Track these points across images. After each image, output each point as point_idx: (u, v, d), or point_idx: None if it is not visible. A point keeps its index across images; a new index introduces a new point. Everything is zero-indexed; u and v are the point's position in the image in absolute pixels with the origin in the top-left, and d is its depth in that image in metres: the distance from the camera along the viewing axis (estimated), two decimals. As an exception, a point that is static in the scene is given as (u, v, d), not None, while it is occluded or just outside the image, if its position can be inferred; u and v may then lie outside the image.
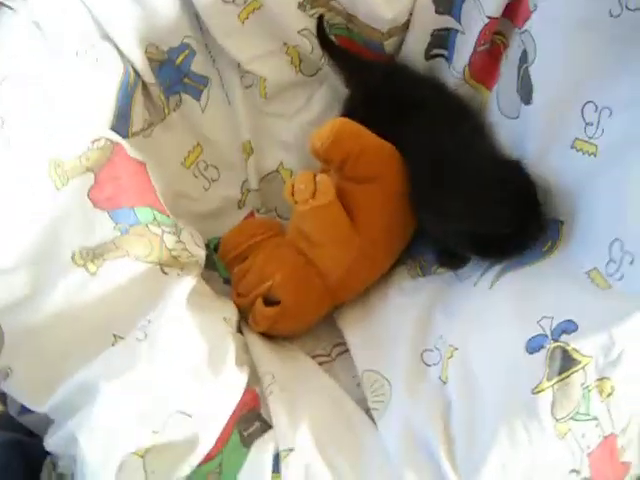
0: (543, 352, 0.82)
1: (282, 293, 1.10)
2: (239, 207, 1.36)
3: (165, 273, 1.01)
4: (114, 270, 0.95)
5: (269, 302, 1.11)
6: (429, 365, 0.98)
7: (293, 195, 1.07)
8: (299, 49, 1.27)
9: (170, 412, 0.86)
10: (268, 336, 1.14)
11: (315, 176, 1.07)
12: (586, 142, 0.93)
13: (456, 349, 0.94)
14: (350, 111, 1.23)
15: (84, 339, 0.90)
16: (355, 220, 1.09)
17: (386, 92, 1.18)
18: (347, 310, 1.18)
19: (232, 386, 0.94)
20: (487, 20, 1.06)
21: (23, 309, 0.89)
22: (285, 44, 1.28)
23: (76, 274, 0.93)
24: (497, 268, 1.01)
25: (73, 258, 0.93)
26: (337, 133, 1.07)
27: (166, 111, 1.26)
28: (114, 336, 0.91)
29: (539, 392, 0.79)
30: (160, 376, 0.87)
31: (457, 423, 0.86)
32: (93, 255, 0.94)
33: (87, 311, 0.92)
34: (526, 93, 1.00)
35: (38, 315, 0.89)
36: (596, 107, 0.91)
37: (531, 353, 0.83)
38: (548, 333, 0.83)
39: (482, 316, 0.96)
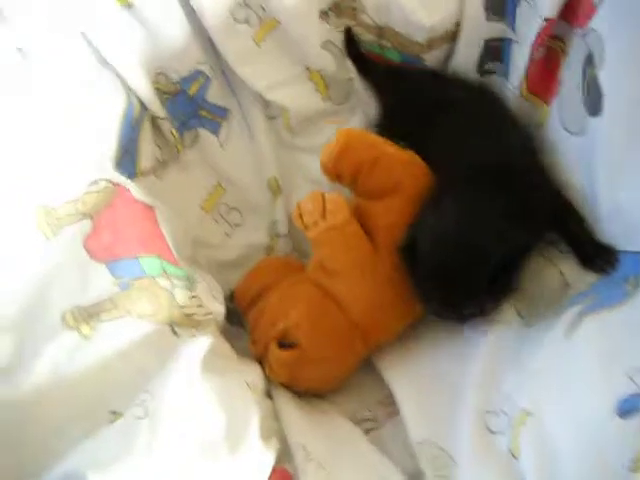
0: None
1: (298, 333, 0.95)
2: (267, 254, 1.22)
3: (176, 334, 0.87)
4: (112, 333, 0.82)
5: (287, 347, 0.96)
6: (493, 432, 0.83)
7: (302, 219, 0.94)
8: (323, 72, 1.15)
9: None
10: (302, 398, 1.00)
11: (324, 195, 0.94)
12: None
13: (529, 414, 0.78)
14: (380, 126, 1.13)
15: (74, 418, 0.78)
16: (377, 242, 0.95)
17: (416, 98, 1.08)
18: (391, 359, 1.02)
19: (256, 465, 0.80)
20: (543, 22, 0.93)
21: (1, 384, 0.76)
22: (307, 68, 1.15)
23: (66, 338, 0.80)
24: (572, 312, 0.84)
25: (63, 319, 0.81)
26: (345, 143, 0.95)
27: (179, 148, 1.13)
28: (112, 413, 0.79)
29: (637, 469, 0.63)
30: (162, 462, 0.72)
31: (534, 507, 0.70)
32: (88, 315, 0.82)
33: (79, 384, 0.80)
34: (594, 103, 0.86)
35: (19, 391, 0.76)
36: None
37: (623, 417, 0.67)
38: (644, 391, 0.67)
39: (560, 372, 0.80)
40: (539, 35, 0.95)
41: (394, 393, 0.96)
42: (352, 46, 1.15)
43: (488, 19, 1.04)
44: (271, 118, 1.19)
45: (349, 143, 0.95)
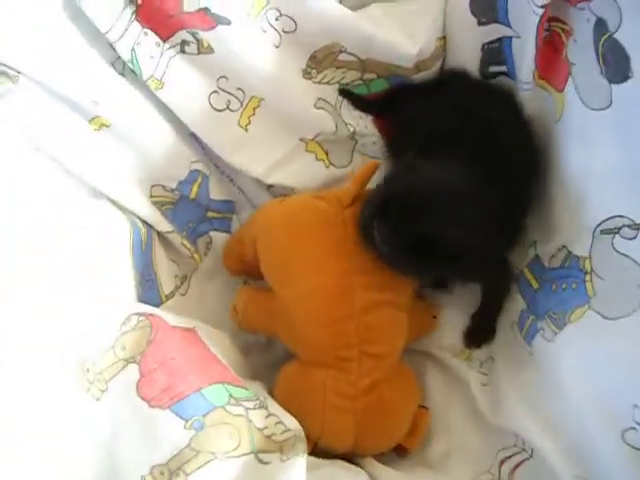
0: None
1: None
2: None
3: (264, 463, 0.76)
4: (205, 483, 0.71)
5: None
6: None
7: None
8: (320, 138, 1.07)
9: None
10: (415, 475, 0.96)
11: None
12: None
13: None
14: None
15: None
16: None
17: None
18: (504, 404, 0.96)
19: None
20: (541, 10, 0.86)
21: None
22: (302, 139, 1.07)
23: (154, 506, 0.69)
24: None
25: (145, 485, 0.70)
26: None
27: (196, 258, 1.05)
28: None
29: None
30: None
31: None
32: (170, 472, 0.71)
33: None
34: (616, 69, 0.79)
35: None
36: None
37: None
38: None
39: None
40: (540, 24, 0.88)
41: (527, 438, 0.91)
42: (354, 98, 1.08)
43: (480, 24, 0.98)
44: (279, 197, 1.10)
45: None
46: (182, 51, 0.95)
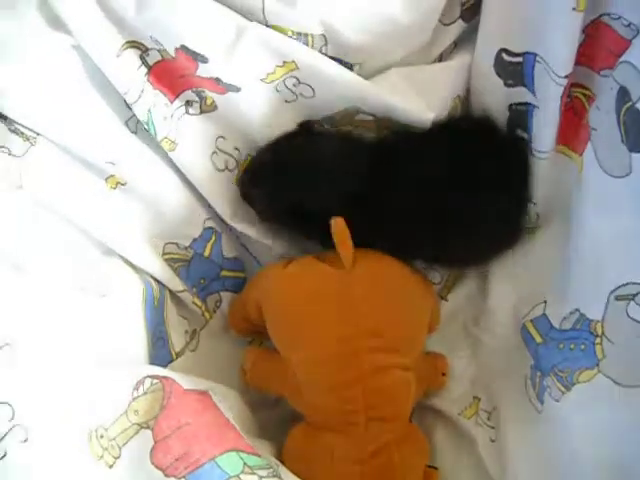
0: None
1: None
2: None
3: None
4: None
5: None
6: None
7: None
8: None
9: None
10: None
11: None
12: None
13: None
14: None
15: None
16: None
17: None
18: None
19: None
20: (564, 81, 0.86)
21: None
22: None
23: None
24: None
25: None
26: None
27: (207, 315, 1.05)
28: None
29: None
30: None
31: None
32: None
33: None
34: (637, 138, 0.79)
35: None
36: None
37: None
38: None
39: None
40: (564, 94, 0.89)
41: None
42: None
43: (507, 85, 0.97)
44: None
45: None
46: (186, 112, 0.96)
